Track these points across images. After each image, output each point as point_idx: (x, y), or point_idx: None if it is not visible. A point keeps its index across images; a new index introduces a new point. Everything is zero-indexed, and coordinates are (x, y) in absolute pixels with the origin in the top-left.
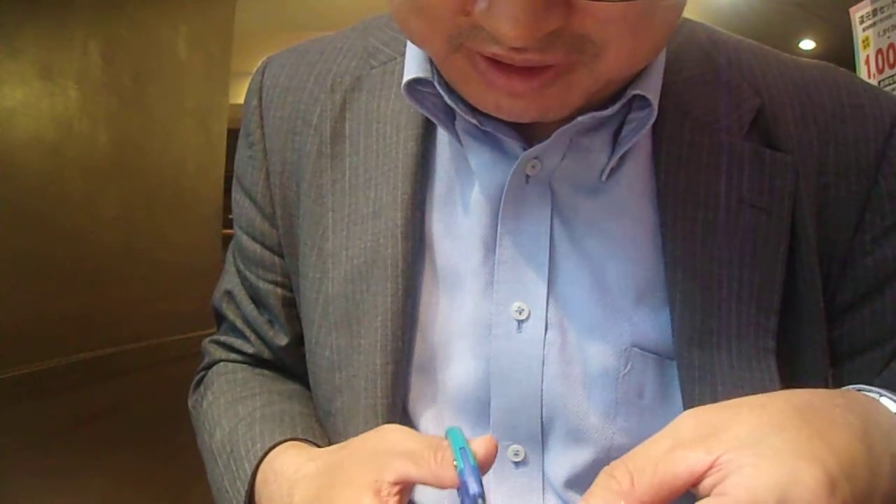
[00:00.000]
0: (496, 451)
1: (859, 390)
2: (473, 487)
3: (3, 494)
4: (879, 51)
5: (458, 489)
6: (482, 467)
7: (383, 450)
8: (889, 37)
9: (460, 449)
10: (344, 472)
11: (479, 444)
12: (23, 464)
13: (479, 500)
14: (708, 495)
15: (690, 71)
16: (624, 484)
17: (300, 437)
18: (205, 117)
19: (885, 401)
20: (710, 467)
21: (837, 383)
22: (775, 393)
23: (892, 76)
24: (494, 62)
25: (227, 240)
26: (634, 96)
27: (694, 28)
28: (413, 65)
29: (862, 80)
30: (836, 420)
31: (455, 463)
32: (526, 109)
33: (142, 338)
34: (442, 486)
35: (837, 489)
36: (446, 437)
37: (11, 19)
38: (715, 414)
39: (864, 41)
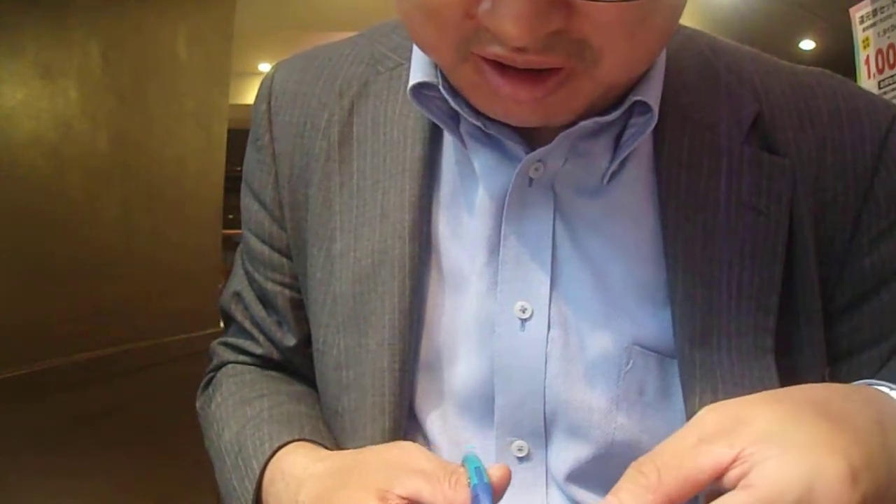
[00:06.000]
0: (509, 480)
1: (869, 384)
2: (485, 503)
3: (2, 494)
4: (879, 51)
5: None
6: (495, 492)
7: (399, 463)
8: (889, 37)
9: (475, 468)
10: (355, 475)
11: (495, 469)
12: (22, 464)
13: None
14: (733, 488)
15: (691, 77)
16: (651, 478)
17: (307, 437)
18: (205, 117)
19: None
20: (734, 460)
21: (835, 382)
22: (793, 388)
23: (893, 76)
24: (499, 66)
25: (227, 240)
26: (635, 102)
27: (694, 35)
28: (419, 69)
29: (858, 86)
30: (853, 413)
31: (468, 480)
32: (532, 115)
33: (142, 338)
34: None
35: (860, 481)
36: (463, 464)
37: (11, 19)
38: (736, 408)
39: (864, 41)
